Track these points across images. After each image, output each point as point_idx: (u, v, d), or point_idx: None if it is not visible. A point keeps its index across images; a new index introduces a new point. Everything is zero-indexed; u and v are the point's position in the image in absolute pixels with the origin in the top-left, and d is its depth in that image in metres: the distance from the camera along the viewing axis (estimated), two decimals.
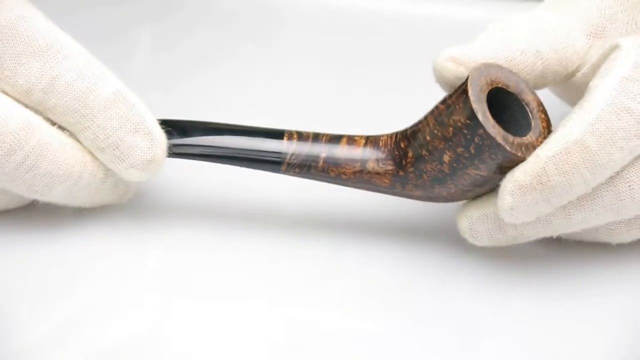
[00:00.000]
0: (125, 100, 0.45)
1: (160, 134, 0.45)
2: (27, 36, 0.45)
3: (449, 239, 0.47)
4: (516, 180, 0.42)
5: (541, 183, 0.41)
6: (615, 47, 0.44)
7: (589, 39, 0.46)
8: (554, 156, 0.41)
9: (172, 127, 0.46)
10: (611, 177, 0.43)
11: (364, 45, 0.64)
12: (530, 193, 0.41)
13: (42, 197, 0.46)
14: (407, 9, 0.67)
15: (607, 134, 0.41)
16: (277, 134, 0.45)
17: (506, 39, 0.45)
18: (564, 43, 0.45)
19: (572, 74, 0.46)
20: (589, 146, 0.41)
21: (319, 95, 0.55)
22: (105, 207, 0.49)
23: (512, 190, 0.42)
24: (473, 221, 0.44)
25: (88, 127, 0.45)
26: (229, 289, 0.45)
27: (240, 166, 0.46)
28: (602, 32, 0.46)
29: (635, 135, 0.42)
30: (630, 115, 0.42)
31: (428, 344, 0.43)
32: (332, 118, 0.55)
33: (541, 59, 0.45)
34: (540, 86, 0.46)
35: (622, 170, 0.43)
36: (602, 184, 0.43)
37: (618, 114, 0.42)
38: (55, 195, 0.46)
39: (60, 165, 0.45)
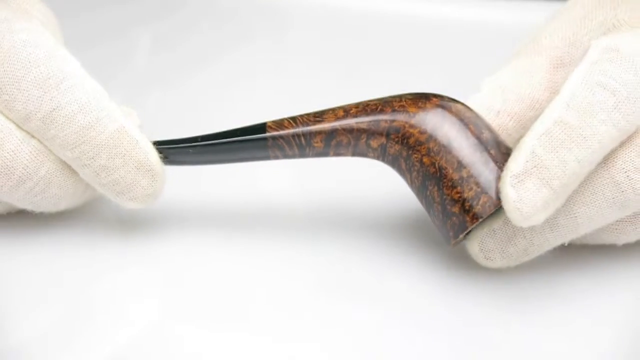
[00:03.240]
0: (129, 138, 0.44)
1: (161, 169, 0.45)
2: (29, 62, 0.44)
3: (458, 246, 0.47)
4: (511, 171, 0.42)
5: (535, 166, 0.41)
6: (586, 50, 0.45)
7: (559, 71, 0.46)
8: (539, 138, 0.42)
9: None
10: (607, 169, 0.43)
11: (365, 45, 0.64)
12: (529, 179, 0.41)
13: (47, 211, 0.46)
14: (407, 9, 0.67)
15: (584, 107, 0.42)
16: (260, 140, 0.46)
17: (471, 103, 0.46)
18: (528, 89, 0.46)
19: None
20: (569, 122, 0.42)
21: (320, 95, 0.55)
22: (104, 209, 0.49)
23: (511, 182, 0.41)
24: (482, 238, 0.44)
25: (89, 165, 0.44)
26: (228, 295, 0.45)
27: (229, 154, 0.45)
28: (570, 60, 0.46)
29: (615, 108, 0.42)
30: (605, 89, 0.42)
31: (435, 352, 0.43)
32: None
33: (508, 114, 0.45)
34: None
35: (617, 161, 0.43)
36: (599, 177, 0.43)
37: (592, 90, 0.42)
38: (58, 209, 0.46)
39: (67, 189, 0.45)
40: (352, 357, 0.42)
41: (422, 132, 0.44)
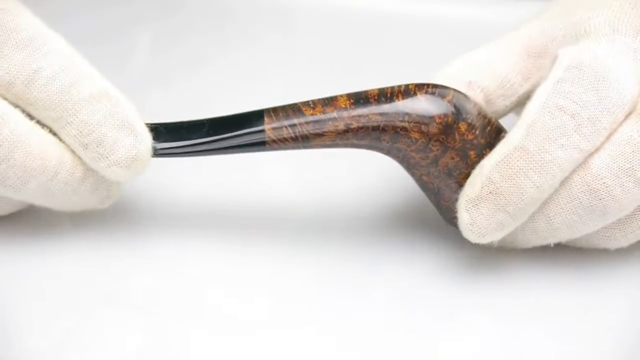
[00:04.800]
0: (110, 96, 0.45)
1: (144, 131, 0.45)
2: (11, 28, 0.44)
3: (457, 237, 0.47)
4: (467, 195, 0.43)
5: (490, 192, 0.42)
6: (555, 58, 0.45)
7: (533, 60, 0.46)
8: (496, 165, 0.42)
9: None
10: (583, 176, 0.43)
11: (368, 44, 0.64)
12: (483, 204, 0.42)
13: (16, 192, 0.45)
14: (409, 9, 0.67)
15: (543, 134, 0.42)
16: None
17: (441, 75, 0.46)
18: (501, 68, 0.46)
19: (527, 95, 0.47)
20: (528, 149, 0.42)
21: (321, 95, 0.55)
22: (102, 215, 0.48)
23: (466, 206, 0.43)
24: None
25: (71, 122, 0.44)
26: (230, 292, 0.45)
27: (225, 152, 0.45)
28: (544, 51, 0.46)
29: (575, 131, 0.42)
30: (564, 113, 0.42)
31: (437, 346, 0.43)
32: None
33: (478, 87, 0.46)
34: (497, 115, 0.47)
35: (592, 167, 0.43)
36: (575, 184, 0.43)
37: (552, 114, 0.42)
38: (30, 191, 0.45)
39: (35, 158, 0.44)
40: (352, 352, 0.42)
41: (424, 159, 0.44)
